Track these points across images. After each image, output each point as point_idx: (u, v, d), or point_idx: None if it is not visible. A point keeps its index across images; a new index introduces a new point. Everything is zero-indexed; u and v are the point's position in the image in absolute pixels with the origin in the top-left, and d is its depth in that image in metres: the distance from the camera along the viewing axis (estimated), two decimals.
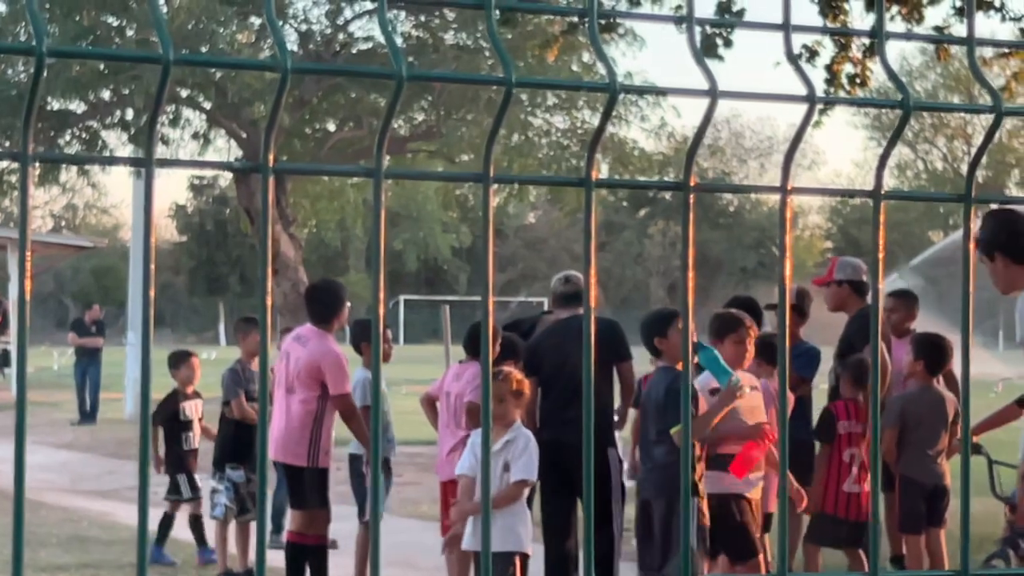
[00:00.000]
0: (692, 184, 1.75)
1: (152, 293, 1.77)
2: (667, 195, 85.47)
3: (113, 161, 1.71)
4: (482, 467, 2.00)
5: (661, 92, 1.72)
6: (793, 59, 1.80)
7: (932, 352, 9.81)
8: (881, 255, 1.89)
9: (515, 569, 8.17)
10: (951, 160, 67.19)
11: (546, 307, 11.67)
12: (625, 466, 10.20)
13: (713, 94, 1.68)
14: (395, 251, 72.61)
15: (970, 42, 1.73)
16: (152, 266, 1.74)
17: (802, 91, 1.79)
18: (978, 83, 1.75)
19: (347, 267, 77.90)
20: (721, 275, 71.86)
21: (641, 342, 9.16)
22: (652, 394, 8.62)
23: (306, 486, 9.62)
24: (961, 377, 1.91)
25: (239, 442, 10.96)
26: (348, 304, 10.23)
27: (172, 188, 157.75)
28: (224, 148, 22.36)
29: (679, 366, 8.59)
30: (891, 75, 1.73)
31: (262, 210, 1.80)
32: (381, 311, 1.77)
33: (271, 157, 1.73)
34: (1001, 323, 34.06)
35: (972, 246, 1.90)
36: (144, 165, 1.69)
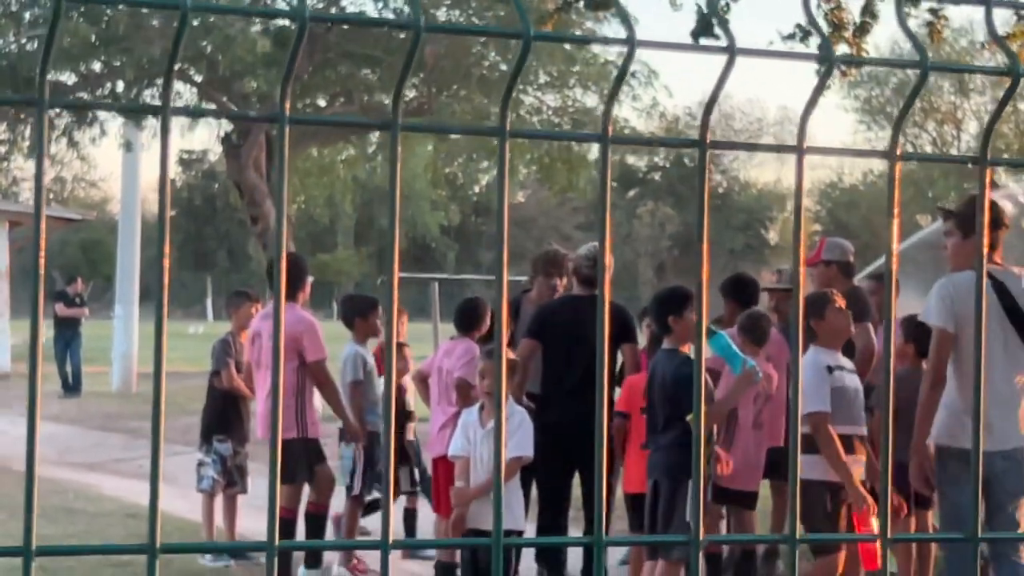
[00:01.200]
0: (707, 142, 1.74)
1: (166, 260, 1.76)
2: (656, 176, 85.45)
3: (130, 108, 1.71)
4: (495, 450, 1.99)
5: (680, 48, 1.71)
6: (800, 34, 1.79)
7: (924, 335, 9.80)
8: (896, 217, 1.89)
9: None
10: (940, 144, 67.18)
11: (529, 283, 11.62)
12: None
13: (731, 51, 1.68)
14: (382, 228, 72.51)
15: (987, 1, 1.72)
16: (167, 221, 1.73)
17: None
18: (995, 43, 1.74)
19: (335, 244, 77.83)
20: (711, 256, 71.86)
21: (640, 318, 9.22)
22: (658, 378, 8.55)
23: (296, 458, 9.66)
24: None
25: (227, 414, 10.96)
26: (311, 278, 10.37)
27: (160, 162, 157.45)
28: (214, 122, 22.30)
29: (684, 348, 8.55)
30: (908, 34, 1.72)
31: (278, 162, 1.79)
32: (395, 268, 1.76)
33: (287, 106, 1.72)
34: None
35: (987, 209, 1.90)
36: (161, 112, 1.68)
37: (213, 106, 20.38)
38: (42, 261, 1.81)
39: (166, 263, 1.74)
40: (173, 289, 76.86)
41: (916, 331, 9.77)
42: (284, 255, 1.77)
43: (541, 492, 10.13)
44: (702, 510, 1.94)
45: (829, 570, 8.34)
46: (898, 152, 1.86)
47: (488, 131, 1.79)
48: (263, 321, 10.15)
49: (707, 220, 1.79)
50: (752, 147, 2.05)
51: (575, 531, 10.56)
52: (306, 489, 10.01)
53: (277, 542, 1.83)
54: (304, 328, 9.80)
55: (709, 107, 1.77)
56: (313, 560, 10.09)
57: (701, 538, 1.89)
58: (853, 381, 8.26)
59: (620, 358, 10.18)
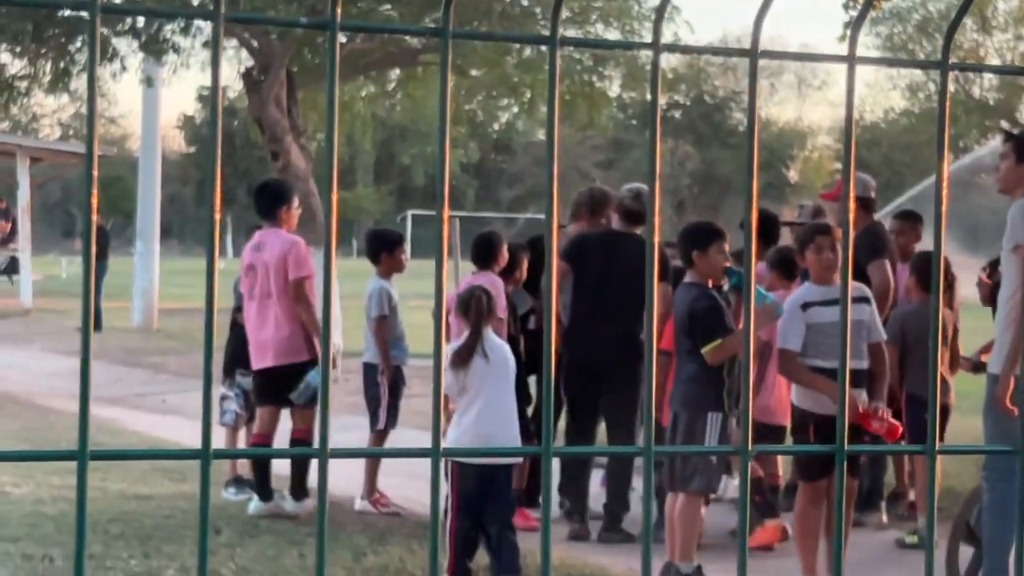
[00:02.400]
0: (758, 52, 1.76)
1: (217, 177, 1.77)
2: (676, 114, 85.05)
3: (186, 15, 1.71)
4: (544, 403, 2.00)
5: None
6: None
7: (928, 269, 9.84)
8: (947, 129, 1.89)
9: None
10: (962, 82, 66.80)
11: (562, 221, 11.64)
12: None
13: None
14: (403, 166, 72.46)
15: None
16: (219, 138, 1.74)
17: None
18: None
19: (355, 182, 77.73)
20: (730, 194, 71.76)
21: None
22: (678, 312, 8.64)
23: (311, 380, 9.87)
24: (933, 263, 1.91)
25: (246, 348, 11.01)
26: (296, 200, 10.50)
27: (180, 99, 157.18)
28: (235, 58, 22.23)
29: (711, 283, 8.61)
30: None
31: (328, 71, 1.80)
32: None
33: (338, 12, 1.73)
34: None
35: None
36: (213, 19, 1.69)
37: (235, 40, 20.32)
38: (95, 174, 1.82)
39: (217, 199, 1.76)
40: (192, 226, 77.01)
41: (922, 265, 9.81)
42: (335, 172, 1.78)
43: (568, 427, 10.22)
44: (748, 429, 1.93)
45: (816, 495, 8.40)
46: (949, 62, 1.87)
47: (539, 39, 1.84)
48: (253, 252, 10.31)
49: (757, 130, 1.80)
50: (801, 56, 2.06)
51: (600, 471, 10.62)
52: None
53: (212, 451, 1.88)
54: (292, 248, 10.09)
55: (761, 16, 1.78)
56: (300, 490, 10.15)
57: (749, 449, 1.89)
58: (832, 315, 8.08)
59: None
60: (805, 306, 8.26)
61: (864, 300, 8.51)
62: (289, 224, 10.37)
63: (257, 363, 10.17)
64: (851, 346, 7.85)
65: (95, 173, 1.80)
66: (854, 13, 14.09)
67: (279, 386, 9.99)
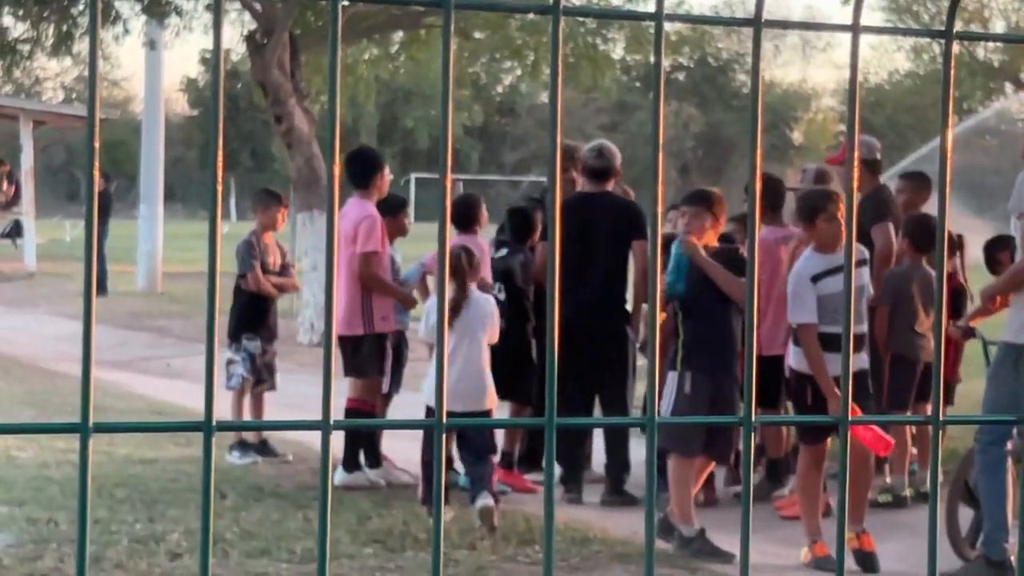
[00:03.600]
0: (762, 21, 1.77)
1: (220, 141, 1.77)
2: (680, 76, 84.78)
3: None
4: (548, 373, 2.00)
5: None
6: None
7: (919, 231, 9.90)
8: (951, 99, 1.89)
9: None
10: (967, 44, 66.57)
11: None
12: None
13: None
14: (406, 129, 72.34)
15: None
16: (220, 103, 1.74)
17: None
18: None
19: (358, 144, 77.52)
20: (734, 155, 71.63)
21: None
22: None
23: (364, 354, 9.85)
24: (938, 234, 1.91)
25: (255, 313, 11.03)
26: (387, 168, 10.46)
27: (183, 62, 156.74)
28: (238, 21, 22.18)
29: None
30: None
31: (331, 39, 1.80)
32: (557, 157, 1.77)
33: None
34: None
35: (952, 82, 1.92)
36: None
37: (237, 3, 20.27)
38: (96, 146, 1.82)
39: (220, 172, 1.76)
40: (196, 189, 76.94)
41: (914, 228, 9.83)
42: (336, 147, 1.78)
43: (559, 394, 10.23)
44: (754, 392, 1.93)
45: (817, 458, 8.47)
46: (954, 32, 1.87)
47: (542, 9, 1.84)
48: (341, 218, 10.26)
49: (761, 99, 1.81)
50: (807, 26, 2.06)
51: (597, 440, 10.65)
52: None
53: (215, 422, 1.89)
54: (362, 222, 9.93)
55: None
56: (352, 463, 10.13)
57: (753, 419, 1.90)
58: (837, 285, 8.16)
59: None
60: (815, 278, 8.26)
61: (863, 263, 8.57)
62: (381, 192, 10.31)
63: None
64: (835, 314, 8.08)
65: (96, 145, 1.79)
66: None
67: (343, 354, 10.05)
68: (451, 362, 8.86)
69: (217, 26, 1.82)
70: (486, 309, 9.11)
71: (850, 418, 2.05)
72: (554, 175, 2.00)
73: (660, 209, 2.07)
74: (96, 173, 1.80)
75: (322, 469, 1.93)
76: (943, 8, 67.85)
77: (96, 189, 1.90)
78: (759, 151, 1.91)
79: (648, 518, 2.05)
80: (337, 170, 1.96)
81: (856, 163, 1.99)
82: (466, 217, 10.28)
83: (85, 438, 1.82)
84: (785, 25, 1.97)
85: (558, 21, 1.83)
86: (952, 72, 1.92)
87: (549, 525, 2.04)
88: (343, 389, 10.15)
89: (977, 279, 10.72)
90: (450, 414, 7.36)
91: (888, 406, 9.71)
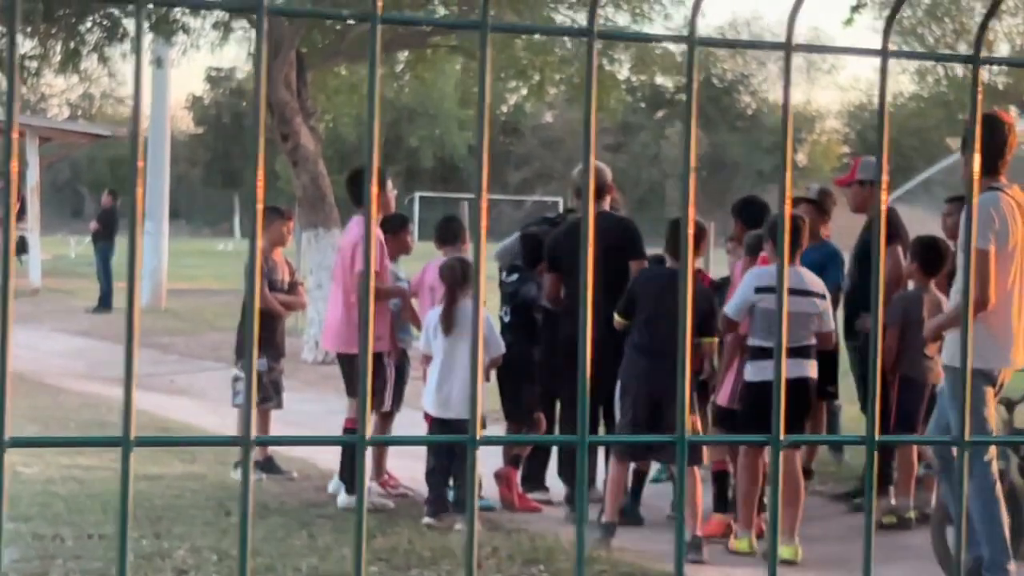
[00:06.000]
0: (792, 45, 1.78)
1: (260, 160, 1.79)
2: (684, 97, 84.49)
3: (230, 8, 1.72)
4: (579, 392, 2.00)
5: None
6: None
7: (927, 254, 9.93)
8: (978, 124, 1.90)
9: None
10: (970, 67, 66.56)
11: (558, 205, 11.76)
12: None
13: None
14: (411, 148, 72.44)
15: None
16: (262, 124, 1.76)
17: None
18: None
19: (362, 163, 77.65)
20: (738, 178, 71.69)
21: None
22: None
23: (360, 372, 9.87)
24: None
25: (262, 330, 11.02)
26: (390, 184, 10.59)
27: (189, 79, 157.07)
28: (244, 40, 22.23)
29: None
30: None
31: (370, 62, 1.81)
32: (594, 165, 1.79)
33: (379, 5, 1.75)
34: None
35: (979, 106, 1.93)
36: (256, 11, 1.70)
37: (244, 21, 20.31)
38: (140, 165, 1.84)
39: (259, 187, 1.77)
40: (200, 207, 77.07)
41: (922, 251, 9.85)
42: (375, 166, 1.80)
43: (564, 409, 10.28)
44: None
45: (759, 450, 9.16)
46: (981, 56, 1.88)
47: (577, 32, 1.88)
48: (342, 237, 10.48)
49: (791, 123, 1.81)
50: (837, 50, 2.07)
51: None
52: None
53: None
54: (360, 239, 9.96)
55: (795, 11, 1.78)
56: (351, 486, 10.14)
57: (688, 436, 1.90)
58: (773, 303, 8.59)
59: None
60: (758, 290, 9.02)
61: (816, 296, 9.17)
62: (386, 209, 10.46)
63: (324, 344, 10.59)
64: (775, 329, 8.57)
65: (140, 164, 1.81)
66: None
67: (344, 373, 10.19)
68: (451, 369, 9.36)
69: (259, 43, 1.83)
70: (469, 322, 9.30)
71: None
72: (587, 198, 2.01)
73: (691, 230, 2.07)
74: (140, 190, 1.81)
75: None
76: (947, 31, 67.95)
77: (140, 208, 1.91)
78: (788, 174, 1.92)
79: (678, 536, 2.06)
80: (375, 190, 1.97)
81: (885, 184, 2.00)
82: (450, 235, 10.43)
83: (126, 452, 1.83)
84: (816, 49, 1.98)
85: (592, 44, 1.84)
86: (980, 98, 1.93)
87: (580, 544, 2.04)
88: (341, 408, 10.18)
89: None
90: (450, 421, 7.62)
91: (896, 428, 9.72)
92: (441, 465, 9.57)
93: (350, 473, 10.00)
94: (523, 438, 9.37)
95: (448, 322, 9.34)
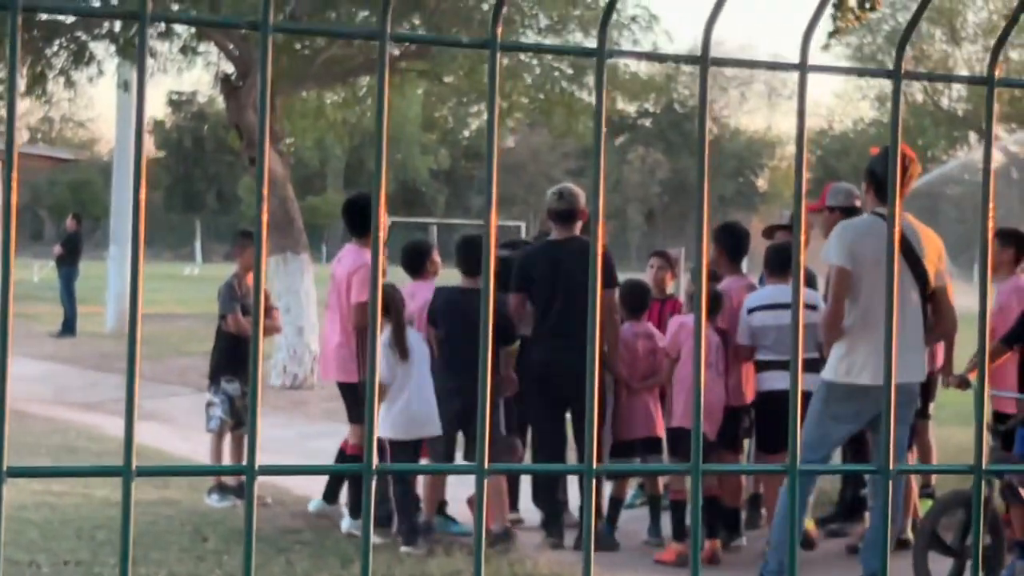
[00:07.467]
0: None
1: (266, 184, 1.79)
2: (646, 122, 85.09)
3: (227, 25, 1.72)
4: (587, 421, 2.00)
5: None
6: None
7: (631, 294, 10.40)
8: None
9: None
10: (931, 92, 67.09)
11: (523, 229, 11.73)
12: None
13: None
14: (372, 172, 72.46)
15: None
16: (266, 154, 1.76)
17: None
18: None
19: (325, 187, 77.62)
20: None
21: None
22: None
23: (360, 400, 9.85)
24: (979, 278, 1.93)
25: (235, 355, 10.99)
26: (388, 219, 10.53)
27: (151, 104, 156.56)
28: (214, 63, 22.18)
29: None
30: None
31: (378, 84, 1.82)
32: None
33: (388, 24, 1.77)
34: (976, 256, 34.16)
35: (899, 123, 1.95)
36: (261, 29, 1.70)
37: (213, 44, 20.27)
38: (143, 195, 1.84)
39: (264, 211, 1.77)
40: (162, 231, 76.80)
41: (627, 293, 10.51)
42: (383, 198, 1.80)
43: (535, 434, 10.25)
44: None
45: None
46: (996, 78, 1.90)
47: (586, 51, 1.87)
48: (336, 264, 10.42)
49: (806, 147, 1.82)
50: (754, 64, 2.08)
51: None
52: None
53: (257, 467, 1.88)
54: (356, 268, 9.95)
55: (711, 22, 1.80)
56: (358, 509, 10.10)
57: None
58: (765, 319, 9.76)
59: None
60: (750, 310, 9.78)
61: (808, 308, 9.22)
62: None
63: (323, 374, 10.69)
64: (765, 343, 9.53)
65: (142, 186, 1.81)
66: (839, 24, 14.19)
67: (345, 400, 10.19)
68: (403, 388, 9.48)
69: (263, 61, 1.84)
70: (423, 346, 9.62)
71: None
72: (597, 222, 2.01)
73: (705, 249, 2.08)
74: (141, 219, 1.81)
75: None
76: (908, 58, 68.44)
77: (141, 237, 1.90)
78: (803, 201, 1.93)
79: (693, 558, 2.07)
80: (384, 218, 1.98)
81: (804, 206, 2.02)
82: (418, 263, 10.32)
83: (127, 481, 1.82)
84: (730, 63, 1.98)
85: (602, 65, 1.84)
86: (900, 112, 1.94)
87: (587, 570, 2.04)
88: (313, 432, 10.14)
89: (962, 327, 10.79)
90: (400, 442, 7.70)
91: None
92: (404, 491, 9.59)
93: (355, 499, 9.98)
94: (528, 467, 9.09)
95: (403, 348, 9.48)
